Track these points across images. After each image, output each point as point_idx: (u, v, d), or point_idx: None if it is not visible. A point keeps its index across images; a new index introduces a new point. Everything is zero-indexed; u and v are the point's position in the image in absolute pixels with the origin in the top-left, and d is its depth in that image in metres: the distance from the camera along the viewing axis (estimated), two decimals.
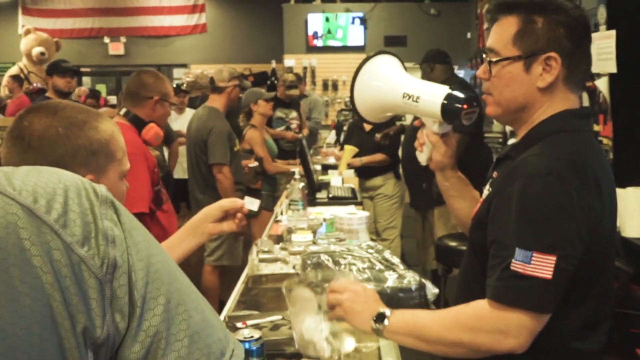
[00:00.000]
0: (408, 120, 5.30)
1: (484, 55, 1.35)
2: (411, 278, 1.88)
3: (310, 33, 9.03)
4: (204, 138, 3.81)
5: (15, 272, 0.50)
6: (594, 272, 1.22)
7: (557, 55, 1.24)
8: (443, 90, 1.44)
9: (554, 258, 1.12)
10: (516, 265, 1.13)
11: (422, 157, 1.57)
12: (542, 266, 1.12)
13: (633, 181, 2.75)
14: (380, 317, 1.28)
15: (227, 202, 1.64)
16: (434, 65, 4.14)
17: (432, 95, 1.44)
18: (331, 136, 7.56)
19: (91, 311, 0.53)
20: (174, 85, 7.02)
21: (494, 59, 1.30)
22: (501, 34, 1.30)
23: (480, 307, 1.19)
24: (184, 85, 7.55)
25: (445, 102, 1.41)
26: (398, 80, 1.53)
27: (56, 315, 0.51)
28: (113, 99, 8.91)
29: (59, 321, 0.51)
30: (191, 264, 4.63)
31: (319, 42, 9.06)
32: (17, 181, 0.54)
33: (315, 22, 9.01)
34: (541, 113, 1.29)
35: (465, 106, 1.39)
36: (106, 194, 0.59)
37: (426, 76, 4.20)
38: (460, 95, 1.40)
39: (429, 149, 1.54)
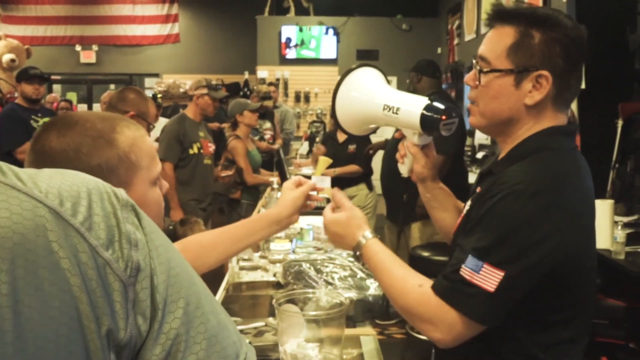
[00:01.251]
0: (388, 134, 5.36)
1: (473, 61, 1.31)
2: None
3: (283, 45, 9.08)
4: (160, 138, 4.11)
5: (44, 274, 0.50)
6: (571, 290, 1.21)
7: (548, 74, 1.20)
8: (422, 101, 1.43)
9: (502, 274, 1.12)
10: (465, 271, 1.15)
11: (403, 169, 1.56)
12: (489, 279, 1.12)
13: (598, 194, 2.85)
14: (357, 247, 1.36)
15: (305, 187, 1.52)
16: (421, 76, 4.10)
17: (412, 106, 1.43)
18: (303, 147, 7.60)
19: (115, 313, 0.54)
20: (149, 96, 7.03)
21: (484, 69, 1.26)
22: (495, 44, 1.26)
23: (426, 294, 1.20)
24: (160, 96, 7.51)
25: (424, 112, 1.39)
26: (378, 92, 1.51)
27: (83, 317, 0.52)
28: (84, 108, 8.81)
29: (85, 323, 0.52)
30: None
31: (292, 54, 9.12)
32: (43, 184, 0.54)
33: (289, 34, 9.07)
34: (526, 130, 1.26)
35: (443, 117, 1.37)
36: (127, 198, 0.59)
37: (412, 85, 4.16)
38: (439, 106, 1.39)
39: (409, 161, 1.52)
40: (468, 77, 1.32)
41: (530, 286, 1.15)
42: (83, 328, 0.51)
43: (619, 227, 2.98)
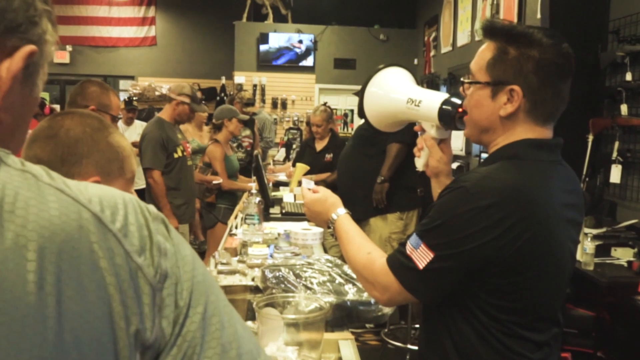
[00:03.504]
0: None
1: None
2: None
3: (261, 51, 9.10)
4: (140, 145, 4.04)
5: (85, 270, 0.54)
6: (519, 290, 1.25)
7: (519, 88, 1.27)
8: (442, 96, 1.53)
9: (432, 255, 1.25)
10: (407, 246, 1.30)
11: (419, 163, 1.65)
12: (421, 257, 1.26)
13: None
14: (331, 221, 1.58)
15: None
16: None
17: (432, 100, 1.54)
18: (280, 154, 7.62)
19: (144, 315, 0.57)
20: (126, 98, 6.97)
21: (467, 80, 1.37)
22: (479, 58, 1.35)
23: (371, 260, 1.39)
24: (135, 99, 7.46)
25: (443, 106, 1.50)
26: (403, 87, 1.64)
27: (114, 314, 0.55)
28: (57, 108, 8.69)
29: (116, 320, 0.56)
30: None
31: (269, 61, 9.13)
32: (85, 191, 0.59)
33: (266, 40, 9.09)
34: (501, 140, 1.33)
35: (460, 110, 1.46)
36: (157, 212, 0.64)
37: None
38: (457, 101, 1.48)
39: (425, 155, 1.62)
40: (461, 87, 1.41)
41: (459, 275, 1.25)
42: (114, 324, 0.55)
43: (589, 239, 3.06)
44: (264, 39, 9.05)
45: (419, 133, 1.65)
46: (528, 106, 1.29)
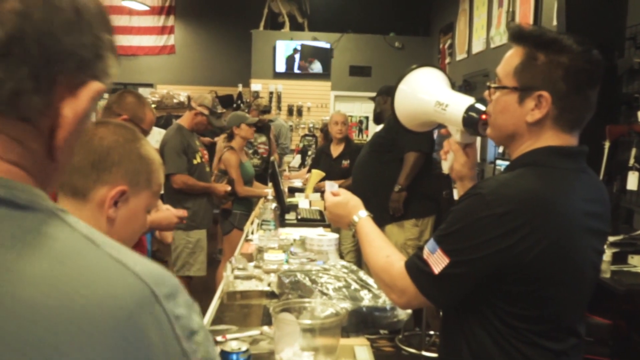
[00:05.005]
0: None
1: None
2: (386, 298, 1.96)
3: (277, 59, 9.16)
4: (160, 151, 4.07)
5: (139, 347, 0.52)
6: (536, 298, 1.25)
7: (548, 95, 1.26)
8: (468, 101, 1.55)
9: (448, 261, 1.25)
10: (424, 251, 1.31)
11: (444, 166, 1.69)
12: (437, 262, 1.27)
13: None
14: (352, 223, 1.59)
15: None
16: (388, 98, 4.42)
17: (458, 104, 1.56)
18: (295, 160, 7.66)
19: None
20: None
21: (494, 85, 1.36)
22: (506, 63, 1.33)
23: (390, 263, 1.40)
24: (154, 106, 7.56)
25: (468, 112, 1.52)
26: (434, 89, 1.66)
27: None
28: None
29: None
30: None
31: (285, 68, 9.19)
32: (141, 265, 0.57)
33: (283, 49, 9.15)
34: (527, 146, 1.32)
35: (483, 117, 1.48)
36: (191, 299, 0.63)
37: (379, 107, 4.55)
38: (481, 107, 1.50)
39: (451, 158, 1.64)
40: (486, 92, 1.42)
41: (474, 281, 1.25)
42: None
43: (605, 247, 3.04)
44: (280, 47, 9.11)
45: (446, 136, 1.67)
46: (556, 113, 1.28)
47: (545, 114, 1.28)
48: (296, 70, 9.18)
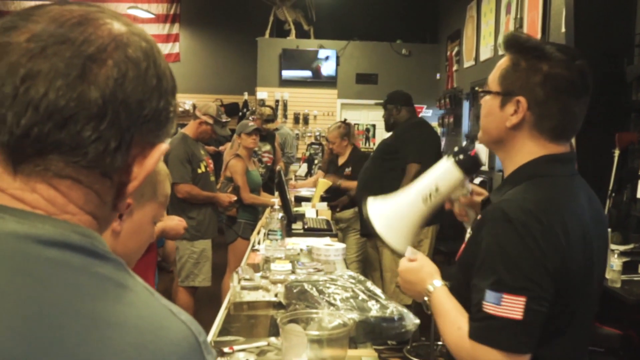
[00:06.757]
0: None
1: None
2: (393, 308, 1.94)
3: (283, 67, 9.16)
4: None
5: None
6: (567, 314, 1.25)
7: (524, 100, 1.28)
8: (446, 161, 1.53)
9: (524, 299, 1.16)
10: (488, 307, 1.19)
11: (469, 224, 1.61)
12: (513, 307, 1.16)
13: None
14: (426, 292, 1.40)
15: None
16: (401, 107, 4.49)
17: (443, 171, 1.53)
18: (302, 169, 7.64)
19: None
20: None
21: (481, 90, 1.41)
22: (496, 69, 1.38)
23: (462, 337, 1.24)
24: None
25: (457, 160, 1.50)
26: (410, 197, 1.58)
27: None
28: None
29: None
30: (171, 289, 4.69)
31: (291, 76, 9.18)
32: (185, 315, 0.63)
33: (289, 56, 9.16)
34: (522, 157, 1.32)
35: (472, 152, 1.50)
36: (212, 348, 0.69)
37: (392, 117, 4.52)
38: (461, 147, 1.52)
39: (472, 213, 1.61)
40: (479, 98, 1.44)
41: (550, 306, 1.19)
42: None
43: (616, 256, 3.01)
44: (286, 55, 9.12)
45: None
46: (533, 119, 1.29)
47: (522, 119, 1.30)
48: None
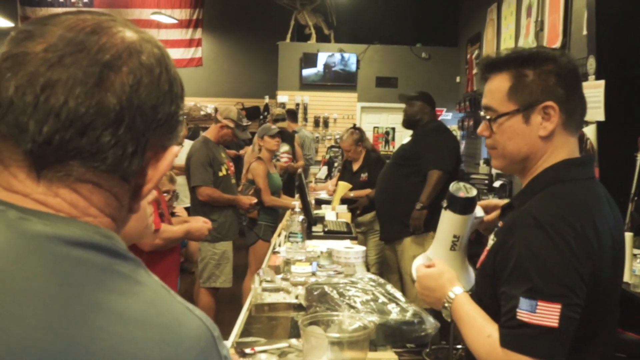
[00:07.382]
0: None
1: (481, 114, 1.41)
2: (413, 311, 1.95)
3: (304, 71, 9.20)
4: (187, 164, 4.18)
5: None
6: (596, 320, 1.24)
7: (553, 103, 1.28)
8: (445, 213, 1.61)
9: (559, 306, 1.15)
10: (522, 315, 1.17)
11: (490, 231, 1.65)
12: (548, 315, 1.15)
13: None
14: (447, 299, 1.39)
15: None
16: (429, 108, 4.43)
17: (448, 222, 1.60)
18: (322, 172, 7.67)
19: None
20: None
21: (492, 117, 1.34)
22: (495, 92, 1.34)
23: (493, 345, 1.22)
24: (185, 118, 7.67)
25: (453, 210, 1.57)
26: (440, 251, 1.64)
27: None
28: None
29: None
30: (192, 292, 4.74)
31: (312, 80, 9.23)
32: (200, 311, 0.66)
33: (310, 60, 9.20)
34: (543, 161, 1.32)
35: (461, 194, 1.55)
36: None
37: (419, 114, 4.42)
38: (448, 197, 1.58)
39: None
40: (480, 129, 1.40)
41: (582, 313, 1.18)
42: None
43: (638, 260, 2.98)
44: (307, 60, 9.15)
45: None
46: (564, 118, 1.30)
47: (557, 123, 1.30)
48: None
